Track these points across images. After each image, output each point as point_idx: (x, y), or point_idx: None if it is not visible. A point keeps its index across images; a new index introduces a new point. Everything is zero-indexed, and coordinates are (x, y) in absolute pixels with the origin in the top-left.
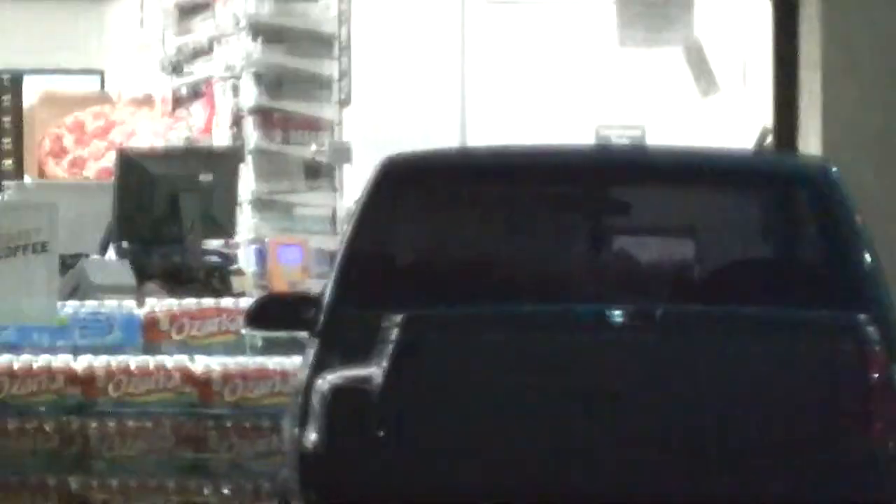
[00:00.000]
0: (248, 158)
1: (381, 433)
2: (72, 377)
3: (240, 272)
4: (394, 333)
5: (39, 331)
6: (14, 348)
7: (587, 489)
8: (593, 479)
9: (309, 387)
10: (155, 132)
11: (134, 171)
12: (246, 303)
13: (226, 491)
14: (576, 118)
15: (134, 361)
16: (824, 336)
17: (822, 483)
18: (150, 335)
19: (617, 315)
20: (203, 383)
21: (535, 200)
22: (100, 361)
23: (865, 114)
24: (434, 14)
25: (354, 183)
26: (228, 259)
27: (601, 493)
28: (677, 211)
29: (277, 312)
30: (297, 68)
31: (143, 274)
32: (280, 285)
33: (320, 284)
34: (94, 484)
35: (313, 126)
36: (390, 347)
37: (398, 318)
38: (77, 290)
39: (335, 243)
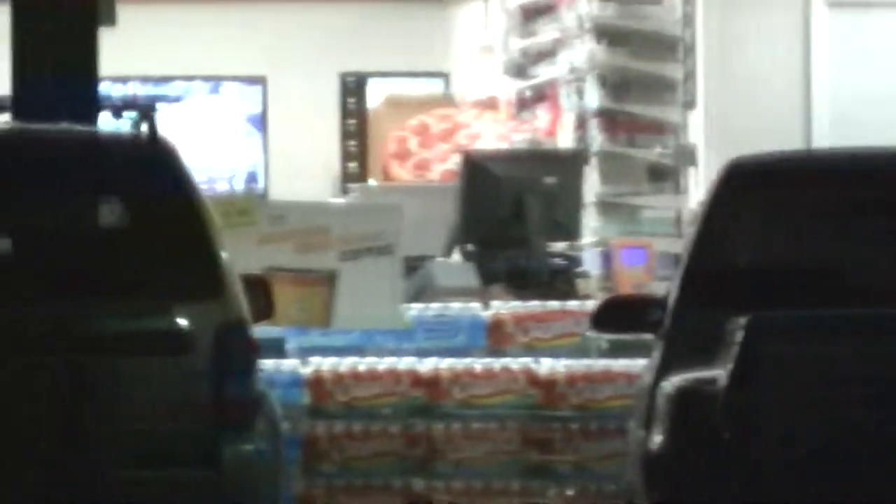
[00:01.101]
0: (593, 161)
1: (727, 435)
2: (417, 380)
3: (585, 275)
4: (738, 335)
5: (384, 333)
6: (359, 351)
7: None
8: None
9: (654, 389)
10: (499, 135)
11: (478, 173)
12: (591, 305)
13: (570, 493)
14: None
15: (479, 364)
16: None
17: None
18: (496, 338)
19: None
20: (548, 386)
21: (880, 203)
22: (445, 364)
23: None
24: (778, 17)
25: (699, 185)
26: (573, 262)
27: None
28: None
29: (622, 315)
30: (641, 70)
31: (488, 276)
32: (625, 288)
33: (664, 287)
34: (439, 485)
35: (658, 128)
36: (735, 349)
37: (743, 320)
38: (422, 293)
39: (679, 246)
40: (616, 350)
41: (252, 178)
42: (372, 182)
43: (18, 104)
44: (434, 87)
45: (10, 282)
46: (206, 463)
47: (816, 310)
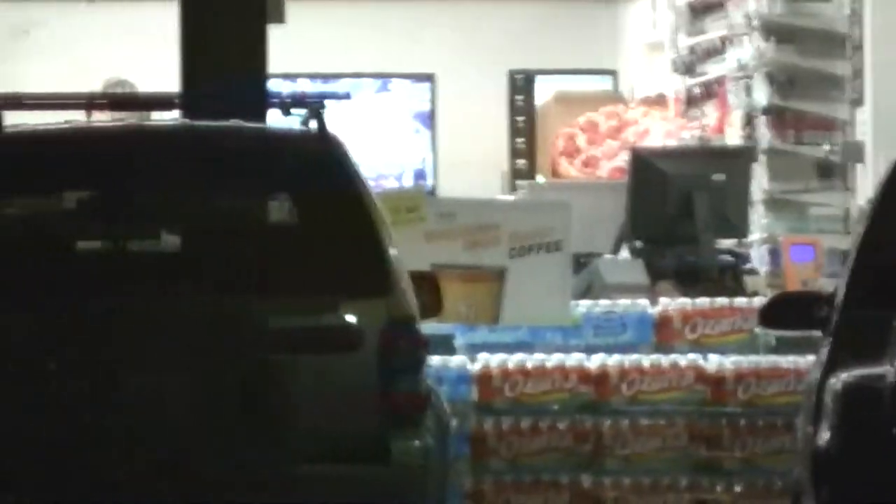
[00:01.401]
0: (761, 158)
1: None
2: (585, 376)
3: (753, 272)
4: None
5: (553, 330)
6: (528, 347)
7: None
8: None
9: (821, 385)
10: (667, 132)
11: (647, 170)
12: (759, 302)
13: (738, 489)
14: None
15: (647, 360)
16: None
17: None
18: (663, 334)
19: None
20: (716, 382)
21: None
22: (613, 360)
23: None
24: None
25: (867, 182)
26: (742, 258)
27: None
28: None
29: (790, 311)
30: (809, 68)
31: (657, 273)
32: (793, 284)
33: (832, 284)
34: (607, 482)
35: (825, 126)
36: None
37: None
38: (590, 289)
39: (847, 243)
40: (784, 346)
41: (420, 175)
42: (540, 179)
43: (187, 101)
44: (602, 84)
45: (180, 280)
46: (375, 458)
47: None
